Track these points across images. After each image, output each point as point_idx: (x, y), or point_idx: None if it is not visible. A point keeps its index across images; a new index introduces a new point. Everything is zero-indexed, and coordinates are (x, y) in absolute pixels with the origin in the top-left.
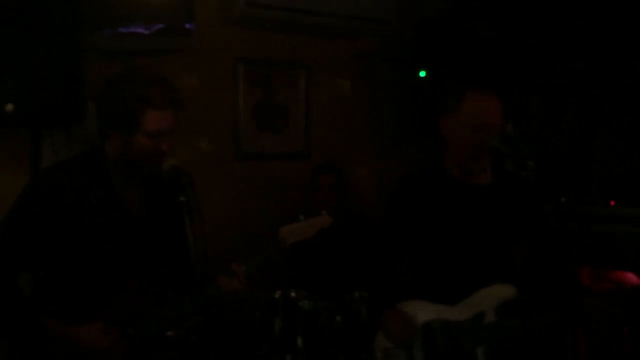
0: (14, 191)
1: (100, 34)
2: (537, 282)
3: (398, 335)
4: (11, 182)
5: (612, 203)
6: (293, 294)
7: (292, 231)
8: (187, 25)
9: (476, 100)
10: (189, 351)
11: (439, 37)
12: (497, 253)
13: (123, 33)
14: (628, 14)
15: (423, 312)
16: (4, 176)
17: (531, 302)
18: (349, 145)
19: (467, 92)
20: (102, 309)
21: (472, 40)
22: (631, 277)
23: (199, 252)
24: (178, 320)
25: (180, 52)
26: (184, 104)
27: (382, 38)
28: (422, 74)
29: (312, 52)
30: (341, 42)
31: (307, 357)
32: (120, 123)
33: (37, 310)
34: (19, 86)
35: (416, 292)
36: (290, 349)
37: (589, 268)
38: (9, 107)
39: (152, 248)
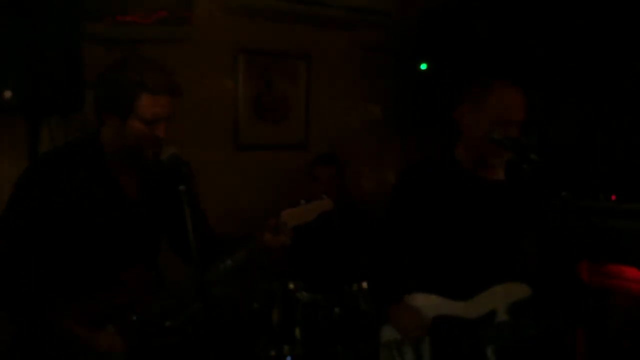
0: (12, 177)
1: (100, 22)
2: (543, 279)
3: (410, 330)
4: (9, 168)
5: (614, 197)
6: (291, 286)
7: (293, 215)
8: (187, 15)
9: (503, 95)
10: (187, 342)
11: (441, 28)
12: (505, 248)
13: (123, 21)
14: (629, 10)
15: (433, 307)
16: (2, 162)
17: (541, 302)
18: (349, 137)
19: (495, 85)
20: (102, 294)
21: (474, 32)
22: (632, 272)
23: (198, 240)
24: (178, 307)
25: (180, 41)
26: (179, 90)
27: (383, 29)
28: (424, 66)
29: (313, 43)
30: (342, 33)
31: (305, 349)
32: (116, 107)
33: (49, 303)
34: (18, 73)
35: (421, 284)
36: (288, 341)
37: (588, 263)
38: (8, 94)
39: (150, 233)
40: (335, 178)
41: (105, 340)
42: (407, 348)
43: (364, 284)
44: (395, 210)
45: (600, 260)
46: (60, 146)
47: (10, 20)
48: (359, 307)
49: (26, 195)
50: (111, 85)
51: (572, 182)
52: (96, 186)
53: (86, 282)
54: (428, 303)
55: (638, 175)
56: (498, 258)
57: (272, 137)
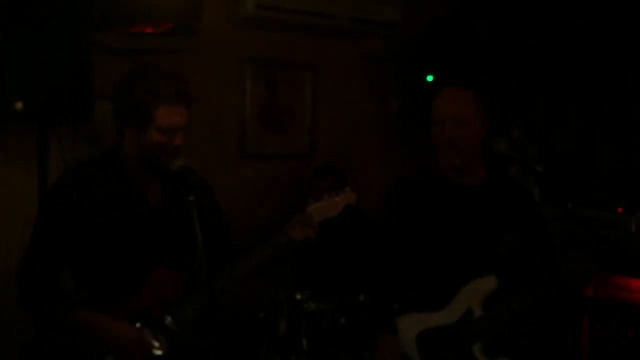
0: (21, 185)
1: (109, 33)
2: (521, 276)
3: None
4: (19, 177)
5: (620, 210)
6: (298, 296)
7: (319, 209)
8: (195, 25)
9: (442, 95)
10: (192, 351)
11: (446, 39)
12: (485, 252)
13: (131, 32)
14: (630, 14)
15: (416, 325)
16: (12, 171)
17: (511, 288)
18: (354, 147)
19: (442, 90)
20: (131, 296)
21: (478, 42)
22: (637, 283)
23: (209, 250)
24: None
25: (188, 51)
26: (195, 98)
27: (389, 40)
28: (430, 78)
29: (319, 53)
30: (348, 43)
31: (312, 359)
32: (134, 119)
33: (73, 308)
34: (28, 84)
35: (410, 297)
36: (294, 350)
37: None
38: (18, 104)
39: (177, 237)
40: (335, 188)
41: (124, 329)
42: None
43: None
44: (385, 227)
45: (605, 272)
46: (85, 160)
47: (19, 31)
48: (364, 317)
49: (52, 208)
50: (128, 97)
51: (576, 192)
52: (120, 194)
53: (114, 285)
54: (410, 324)
55: None
56: (479, 262)
57: (278, 147)
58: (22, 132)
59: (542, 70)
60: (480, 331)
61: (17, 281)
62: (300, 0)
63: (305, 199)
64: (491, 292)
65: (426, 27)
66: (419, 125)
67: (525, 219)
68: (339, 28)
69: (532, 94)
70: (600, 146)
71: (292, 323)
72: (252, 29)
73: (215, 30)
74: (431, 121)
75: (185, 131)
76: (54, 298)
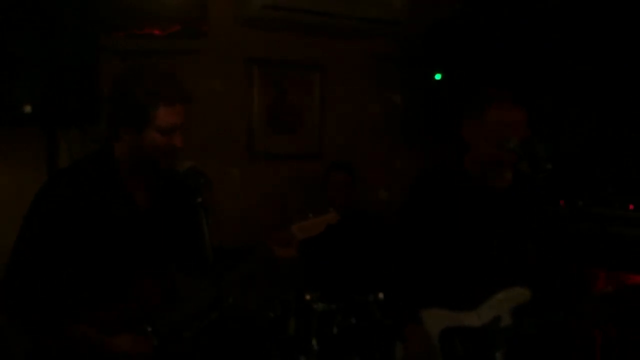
0: (31, 188)
1: (116, 35)
2: (547, 283)
3: (419, 355)
4: (29, 179)
5: (631, 207)
6: (307, 296)
7: (302, 228)
8: (202, 27)
9: (503, 114)
10: (202, 351)
11: (451, 39)
12: (511, 255)
13: (138, 34)
14: (633, 18)
15: (442, 320)
16: (22, 174)
17: (542, 302)
18: (362, 146)
19: (493, 104)
20: (116, 303)
21: (485, 41)
22: None
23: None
24: (194, 316)
25: (195, 52)
26: (191, 97)
27: (396, 39)
28: (438, 76)
29: (326, 53)
30: (355, 43)
31: (322, 359)
32: (132, 119)
33: (65, 313)
34: (37, 87)
35: (433, 293)
36: (304, 351)
37: (605, 272)
38: (27, 107)
39: (163, 243)
40: (350, 185)
41: (126, 342)
42: None
43: (380, 295)
44: (409, 220)
45: (616, 269)
46: (75, 161)
47: (28, 34)
48: (374, 318)
49: (43, 209)
50: (126, 98)
51: (587, 190)
52: (109, 198)
53: (101, 291)
54: (436, 319)
55: None
56: (505, 263)
57: (286, 147)
58: (31, 134)
59: (552, 67)
60: (506, 339)
61: (2, 289)
62: (306, 0)
63: (319, 194)
64: (522, 304)
65: (430, 29)
66: (427, 124)
67: (549, 221)
68: (346, 27)
69: (542, 91)
70: (610, 142)
71: (302, 323)
72: (259, 30)
73: (222, 31)
74: (481, 134)
75: (183, 132)
76: (43, 308)
